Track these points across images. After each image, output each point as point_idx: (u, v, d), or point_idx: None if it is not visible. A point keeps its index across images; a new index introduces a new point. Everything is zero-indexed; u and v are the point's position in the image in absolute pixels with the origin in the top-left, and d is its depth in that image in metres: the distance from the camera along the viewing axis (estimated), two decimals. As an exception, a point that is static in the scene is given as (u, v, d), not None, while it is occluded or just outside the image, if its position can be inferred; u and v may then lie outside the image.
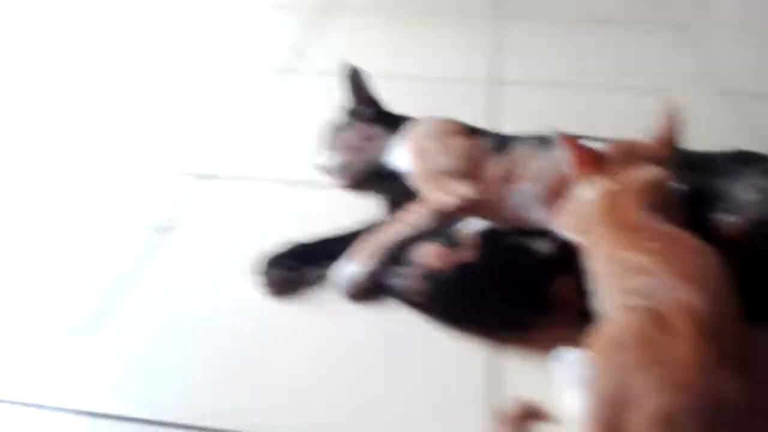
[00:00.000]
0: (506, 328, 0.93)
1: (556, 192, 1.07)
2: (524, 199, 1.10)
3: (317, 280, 1.03)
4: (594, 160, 0.97)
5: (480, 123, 1.36)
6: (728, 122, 1.53)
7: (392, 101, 1.35)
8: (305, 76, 1.78)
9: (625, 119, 1.34)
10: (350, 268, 1.01)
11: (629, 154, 0.97)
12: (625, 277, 0.82)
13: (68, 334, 0.96)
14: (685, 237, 0.83)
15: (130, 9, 2.28)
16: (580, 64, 1.86)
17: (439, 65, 1.86)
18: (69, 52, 1.96)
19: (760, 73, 1.78)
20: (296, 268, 1.02)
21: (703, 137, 1.08)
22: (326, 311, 0.99)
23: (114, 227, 1.18)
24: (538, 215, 1.09)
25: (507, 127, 1.31)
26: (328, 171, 1.27)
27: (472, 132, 1.22)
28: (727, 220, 0.94)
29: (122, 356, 0.93)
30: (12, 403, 0.86)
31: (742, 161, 1.08)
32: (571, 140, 0.99)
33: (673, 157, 0.98)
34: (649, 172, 0.93)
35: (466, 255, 0.94)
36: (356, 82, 1.28)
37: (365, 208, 1.19)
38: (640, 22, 2.14)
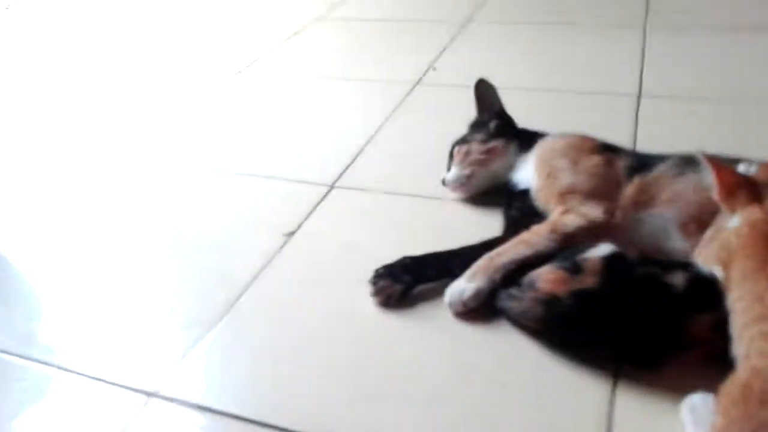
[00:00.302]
0: (628, 364, 0.86)
1: (700, 221, 0.98)
2: (662, 227, 1.01)
3: (428, 294, 1.02)
4: (741, 185, 0.87)
5: (622, 139, 1.29)
6: None
7: (529, 115, 1.31)
8: (439, 89, 1.78)
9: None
10: (462, 284, 0.98)
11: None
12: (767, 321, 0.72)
13: (188, 329, 1.01)
14: None
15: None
16: (738, 75, 1.69)
17: (582, 78, 1.78)
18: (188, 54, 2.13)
19: None
20: (405, 281, 1.01)
21: None
22: (435, 327, 0.97)
23: (247, 231, 1.25)
24: (678, 246, 0.99)
25: (651, 145, 1.23)
26: (449, 183, 1.25)
27: (608, 149, 1.14)
28: None
29: (234, 354, 0.97)
30: (133, 390, 0.92)
31: None
32: (715, 161, 0.89)
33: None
34: (809, 203, 0.82)
35: (587, 282, 0.88)
36: (483, 94, 1.25)
37: (486, 224, 1.16)
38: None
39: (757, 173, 0.88)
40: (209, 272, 1.15)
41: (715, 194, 0.90)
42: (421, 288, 1.03)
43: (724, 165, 0.90)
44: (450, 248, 1.07)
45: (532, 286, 0.92)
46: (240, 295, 1.07)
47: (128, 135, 1.72)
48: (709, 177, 0.91)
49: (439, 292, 1.00)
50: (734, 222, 0.87)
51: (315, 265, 1.13)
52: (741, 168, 1.00)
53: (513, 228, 1.11)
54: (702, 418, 0.76)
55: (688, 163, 1.04)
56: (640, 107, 1.56)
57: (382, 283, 1.02)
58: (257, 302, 1.06)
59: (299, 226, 1.23)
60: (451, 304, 0.98)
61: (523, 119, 1.30)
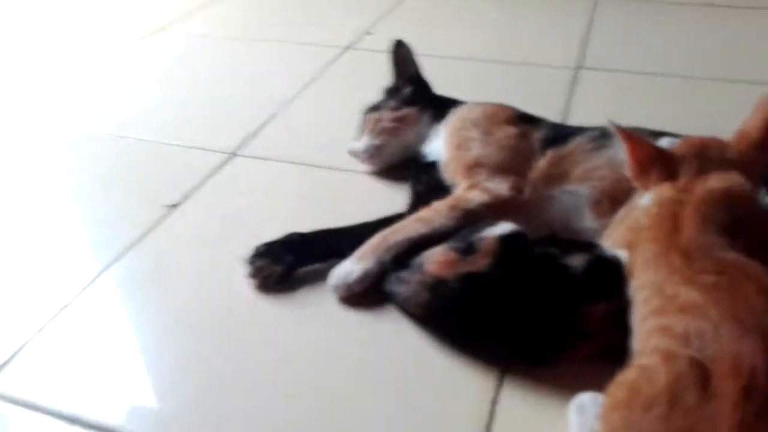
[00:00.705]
0: (516, 357, 0.76)
1: (614, 199, 0.88)
2: (574, 204, 0.92)
3: (313, 275, 0.91)
4: (655, 160, 0.77)
5: (552, 113, 1.19)
6: None
7: (458, 84, 1.21)
8: (372, 55, 1.66)
9: (720, 116, 1.11)
10: (349, 266, 0.87)
11: (703, 154, 0.76)
12: (670, 314, 0.63)
13: (37, 311, 0.90)
14: (755, 272, 0.62)
15: None
16: (682, 50, 1.60)
17: (522, 49, 1.67)
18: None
19: None
20: (286, 261, 0.91)
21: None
22: (317, 313, 0.86)
23: (127, 201, 1.12)
24: (589, 225, 0.90)
25: (582, 119, 1.13)
26: (357, 154, 1.14)
27: (525, 120, 1.04)
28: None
29: (82, 343, 0.85)
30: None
31: None
32: (628, 134, 0.79)
33: (763, 162, 0.76)
34: (723, 180, 0.72)
35: (478, 264, 0.78)
36: (400, 57, 1.14)
37: (396, 199, 1.05)
38: (754, 8, 1.83)
39: (677, 147, 0.79)
40: (74, 247, 1.03)
41: (628, 170, 0.80)
42: (307, 269, 0.92)
43: (638, 138, 0.80)
44: (350, 225, 0.97)
45: (419, 268, 0.82)
46: (100, 273, 0.95)
47: (19, 97, 1.57)
48: (622, 153, 0.82)
49: (325, 275, 0.89)
50: (645, 201, 0.78)
51: (194, 241, 1.01)
52: (663, 142, 0.91)
53: (418, 204, 1.00)
54: (590, 421, 0.67)
55: (606, 136, 0.94)
56: (578, 80, 1.47)
57: (260, 263, 0.90)
58: (120, 282, 0.94)
59: (186, 197, 1.11)
60: (335, 288, 0.88)
61: (451, 88, 1.19)
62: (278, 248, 0.92)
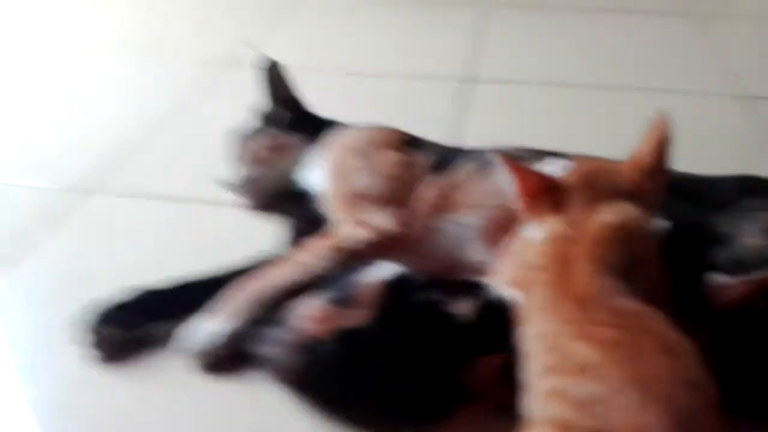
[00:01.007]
0: (400, 423, 0.66)
1: (505, 227, 0.81)
2: (463, 236, 0.84)
3: (163, 341, 0.77)
4: (544, 190, 0.70)
5: (446, 128, 1.11)
6: (745, 132, 1.24)
7: (344, 102, 1.10)
8: (251, 72, 1.53)
9: (616, 124, 1.07)
10: (208, 326, 0.75)
11: (593, 183, 0.70)
12: (567, 374, 0.55)
13: None
14: (658, 326, 0.55)
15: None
16: (576, 60, 1.58)
17: (409, 60, 1.60)
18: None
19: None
20: (136, 325, 0.77)
21: (711, 152, 0.78)
22: (169, 385, 0.73)
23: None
24: (480, 259, 0.82)
25: (477, 134, 1.06)
26: (231, 187, 1.01)
27: (411, 144, 0.95)
28: (721, 282, 0.65)
29: None
30: None
31: (751, 191, 0.80)
32: (513, 164, 0.72)
33: (657, 190, 0.71)
34: (615, 213, 0.66)
35: (356, 317, 0.68)
36: (274, 80, 1.02)
37: (270, 235, 0.94)
38: (648, 13, 1.86)
39: (566, 176, 0.72)
40: None
41: (515, 201, 0.73)
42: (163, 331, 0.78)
43: (524, 169, 0.73)
44: (215, 273, 0.84)
45: (290, 325, 0.71)
46: None
47: None
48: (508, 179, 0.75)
49: (173, 337, 0.76)
50: (535, 235, 0.70)
51: (24, 304, 0.85)
52: (551, 167, 0.84)
53: (297, 241, 0.89)
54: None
55: (492, 161, 0.87)
56: (471, 93, 1.40)
57: (106, 330, 0.76)
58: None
59: (16, 248, 0.94)
60: (197, 353, 0.74)
61: (336, 106, 1.08)
62: (128, 309, 0.78)
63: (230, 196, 1.02)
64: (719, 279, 0.64)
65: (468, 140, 1.19)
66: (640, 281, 0.61)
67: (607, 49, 1.65)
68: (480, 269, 0.81)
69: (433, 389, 0.64)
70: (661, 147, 0.70)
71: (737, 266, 0.71)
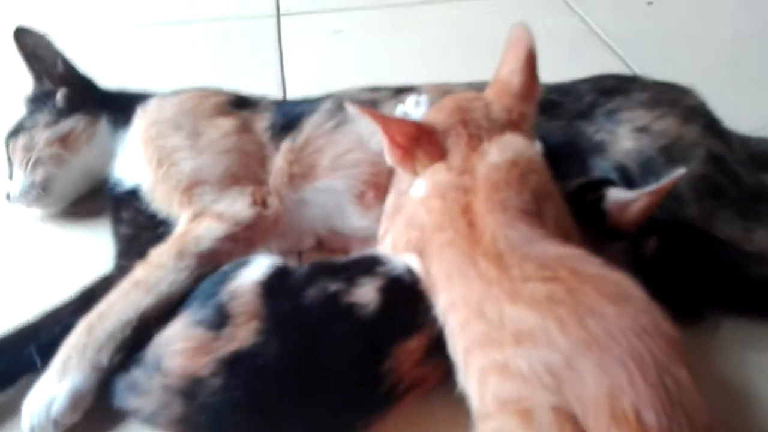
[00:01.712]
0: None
1: (377, 185, 0.72)
2: (334, 203, 0.73)
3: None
4: (416, 138, 0.61)
5: (268, 70, 0.96)
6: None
7: (142, 64, 0.89)
8: None
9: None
10: (49, 389, 0.57)
11: (467, 120, 0.62)
12: (502, 346, 0.48)
13: None
14: (591, 268, 0.49)
15: None
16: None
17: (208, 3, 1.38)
18: None
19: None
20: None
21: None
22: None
23: None
24: (359, 224, 0.73)
25: (301, 71, 0.91)
26: (16, 200, 0.79)
27: (239, 104, 0.80)
28: (621, 198, 0.62)
29: None
30: None
31: (608, 92, 0.78)
32: (375, 114, 0.62)
33: (532, 112, 0.65)
34: (503, 149, 0.59)
35: (239, 337, 0.55)
36: (33, 50, 0.79)
37: (95, 250, 0.75)
38: None
39: (435, 117, 0.63)
40: None
41: (388, 158, 0.63)
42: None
43: (388, 118, 0.63)
44: (35, 317, 0.64)
45: (157, 366, 0.56)
46: None
47: None
48: (371, 127, 0.65)
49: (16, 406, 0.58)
50: (419, 189, 0.61)
51: None
52: (410, 103, 0.75)
53: (129, 253, 0.72)
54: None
55: (343, 107, 0.76)
56: (281, 28, 1.25)
57: None
58: None
59: None
60: (36, 429, 0.57)
61: (132, 71, 0.88)
62: None
63: (26, 210, 0.80)
64: (618, 195, 0.61)
65: (292, 86, 1.07)
66: (548, 218, 0.56)
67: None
68: (363, 237, 0.72)
69: (357, 395, 0.55)
70: (531, 63, 0.64)
71: (622, 173, 0.69)
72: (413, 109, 0.75)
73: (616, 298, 0.45)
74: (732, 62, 1.14)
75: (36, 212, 0.82)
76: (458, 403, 0.51)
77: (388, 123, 0.61)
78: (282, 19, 1.28)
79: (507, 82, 0.64)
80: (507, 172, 0.56)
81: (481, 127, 0.61)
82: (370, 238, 0.71)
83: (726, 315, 0.68)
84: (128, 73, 0.98)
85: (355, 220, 0.72)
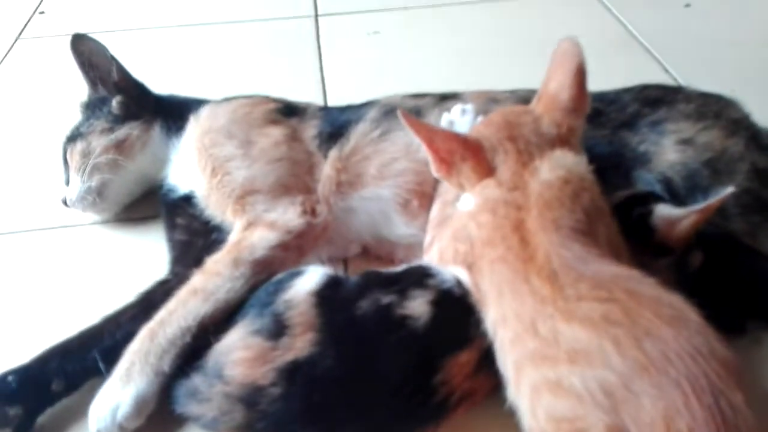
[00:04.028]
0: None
1: (422, 194, 0.74)
2: (380, 211, 0.75)
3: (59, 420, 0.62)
4: (462, 152, 0.62)
5: (307, 69, 0.97)
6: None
7: (186, 66, 0.92)
8: (48, 43, 1.25)
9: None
10: (113, 395, 0.60)
11: (516, 134, 0.62)
12: (557, 363, 0.49)
13: None
14: (647, 289, 0.50)
15: None
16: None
17: (244, 4, 1.39)
18: None
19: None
20: (11, 419, 0.60)
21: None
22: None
23: None
24: (404, 232, 0.74)
25: (339, 71, 0.92)
26: (73, 204, 0.82)
27: (287, 113, 0.82)
28: (670, 215, 0.63)
29: None
30: None
31: (652, 102, 0.78)
32: (420, 126, 0.63)
33: (581, 126, 0.65)
34: (555, 166, 0.60)
35: (297, 347, 0.57)
36: (89, 58, 0.82)
37: (151, 253, 0.78)
38: None
39: (482, 131, 0.64)
40: None
41: (433, 170, 0.64)
42: (51, 414, 0.63)
43: (433, 129, 0.64)
44: (95, 323, 0.67)
45: (218, 373, 0.58)
46: None
47: None
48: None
49: (83, 410, 0.61)
50: (467, 204, 0.63)
51: None
52: (456, 112, 0.77)
53: (184, 259, 0.75)
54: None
55: (389, 115, 0.77)
56: (320, 29, 1.26)
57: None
58: None
59: None
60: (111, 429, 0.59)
61: (177, 76, 0.91)
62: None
63: (81, 214, 0.83)
64: (666, 211, 0.62)
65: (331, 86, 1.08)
66: (599, 237, 0.57)
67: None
68: (407, 245, 0.73)
69: (411, 406, 0.57)
70: (580, 77, 0.65)
71: (667, 185, 0.70)
72: (459, 118, 0.76)
73: (672, 320, 0.47)
74: (770, 65, 1.13)
75: (90, 216, 0.85)
76: (508, 416, 0.53)
77: (433, 138, 0.62)
78: (320, 19, 1.29)
79: (556, 96, 0.65)
80: (559, 190, 0.57)
81: (530, 143, 0.62)
82: (415, 246, 0.72)
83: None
84: (171, 74, 1.01)
85: (400, 228, 0.74)
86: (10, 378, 0.62)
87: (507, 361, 0.54)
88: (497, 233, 0.58)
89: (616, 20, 1.25)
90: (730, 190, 0.60)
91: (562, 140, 0.63)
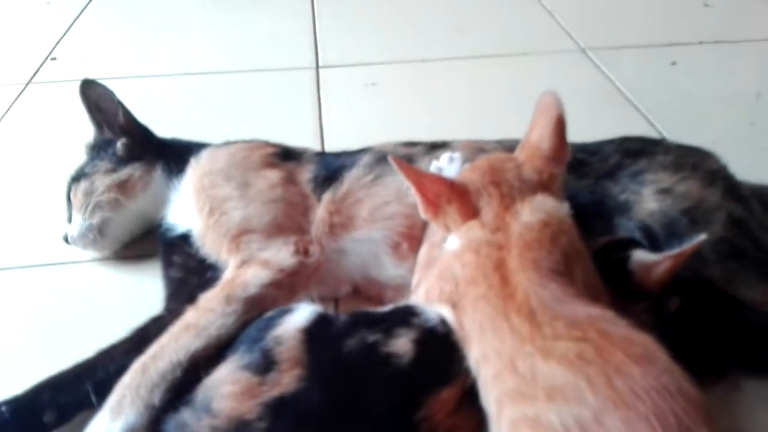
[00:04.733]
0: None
1: (411, 237, 0.76)
2: (371, 253, 0.77)
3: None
4: (448, 195, 0.65)
5: (306, 120, 1.01)
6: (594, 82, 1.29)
7: (190, 112, 0.96)
8: (61, 88, 1.30)
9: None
10: (104, 426, 0.61)
11: (500, 180, 0.66)
12: (535, 400, 0.51)
13: None
14: (619, 331, 0.52)
15: None
16: (421, 36, 1.54)
17: (251, 55, 1.45)
18: None
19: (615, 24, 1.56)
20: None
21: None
22: None
23: None
24: (393, 274, 0.77)
25: (338, 121, 0.96)
26: (74, 241, 0.85)
27: (285, 157, 0.85)
28: (646, 259, 0.65)
29: None
30: None
31: (633, 154, 0.82)
32: (411, 170, 0.66)
33: (562, 174, 0.69)
34: (536, 210, 0.63)
35: (284, 383, 0.59)
36: (96, 102, 0.86)
37: (146, 291, 0.80)
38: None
39: (468, 176, 0.68)
40: None
41: (421, 211, 0.67)
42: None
43: (423, 174, 0.68)
44: (88, 357, 0.69)
45: (206, 407, 0.60)
46: None
47: None
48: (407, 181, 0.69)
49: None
50: (452, 244, 0.65)
51: None
52: (444, 160, 0.80)
53: (178, 297, 0.77)
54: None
55: (382, 161, 0.81)
56: (320, 80, 1.32)
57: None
58: None
59: None
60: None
61: (181, 122, 0.95)
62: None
63: (81, 251, 0.86)
64: (643, 256, 0.64)
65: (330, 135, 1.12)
66: (577, 278, 0.59)
67: (437, 21, 1.62)
68: (397, 285, 0.76)
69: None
70: (560, 128, 0.68)
71: (647, 233, 0.73)
72: (447, 165, 0.79)
73: (641, 359, 0.48)
74: (755, 121, 1.17)
75: (90, 254, 0.87)
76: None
77: (421, 181, 0.66)
78: (320, 71, 1.35)
79: (537, 145, 0.68)
80: (539, 232, 0.60)
81: (513, 188, 0.65)
82: (404, 287, 0.75)
83: (747, 374, 0.70)
84: (175, 119, 1.05)
85: (390, 269, 0.76)
86: (3, 408, 0.63)
87: (489, 397, 0.56)
88: (479, 272, 0.60)
89: (603, 76, 1.30)
90: (702, 237, 0.63)
91: (543, 186, 0.66)
